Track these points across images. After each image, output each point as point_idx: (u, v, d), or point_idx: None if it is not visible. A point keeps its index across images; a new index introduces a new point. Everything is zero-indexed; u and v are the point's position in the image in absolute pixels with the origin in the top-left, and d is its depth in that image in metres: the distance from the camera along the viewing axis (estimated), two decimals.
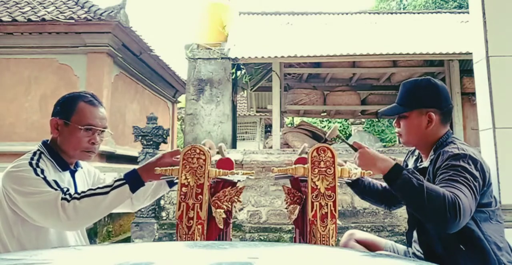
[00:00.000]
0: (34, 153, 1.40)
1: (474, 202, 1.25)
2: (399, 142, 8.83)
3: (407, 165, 1.66)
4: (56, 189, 1.27)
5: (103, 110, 1.50)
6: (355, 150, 1.42)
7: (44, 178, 1.29)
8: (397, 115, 1.53)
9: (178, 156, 1.25)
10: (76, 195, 1.26)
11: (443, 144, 1.45)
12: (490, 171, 1.39)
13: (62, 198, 1.24)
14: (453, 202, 1.18)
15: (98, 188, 1.30)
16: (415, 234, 1.54)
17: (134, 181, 1.32)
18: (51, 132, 1.46)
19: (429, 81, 1.52)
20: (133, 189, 1.32)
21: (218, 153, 1.58)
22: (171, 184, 1.53)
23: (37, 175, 1.30)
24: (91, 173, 1.63)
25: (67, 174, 1.47)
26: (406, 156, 1.71)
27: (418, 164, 1.56)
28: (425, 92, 1.49)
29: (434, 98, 1.48)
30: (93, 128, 1.43)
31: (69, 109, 1.43)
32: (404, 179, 1.25)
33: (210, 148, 1.42)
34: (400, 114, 1.51)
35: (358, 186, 1.68)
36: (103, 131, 1.48)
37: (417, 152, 1.62)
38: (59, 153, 1.44)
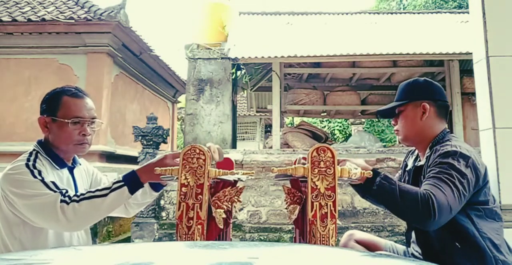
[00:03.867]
0: (30, 154, 1.39)
1: (457, 200, 1.26)
2: (399, 142, 8.83)
3: (406, 165, 1.66)
4: (55, 191, 1.26)
5: (89, 101, 1.49)
6: None
7: (42, 180, 1.29)
8: (394, 112, 1.56)
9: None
10: (75, 198, 1.26)
11: (439, 142, 1.46)
12: (486, 169, 1.40)
13: (61, 201, 1.24)
14: (426, 200, 1.21)
15: (97, 190, 1.30)
16: (413, 234, 1.54)
17: (132, 182, 1.31)
18: (42, 131, 1.46)
19: (425, 79, 1.59)
20: (132, 191, 1.31)
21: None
22: (158, 188, 1.51)
23: (35, 177, 1.29)
24: (89, 171, 1.62)
25: (65, 171, 1.46)
26: (406, 157, 1.71)
27: (416, 163, 1.57)
28: (419, 86, 1.55)
29: (428, 91, 1.54)
30: (81, 120, 1.43)
31: (54, 105, 1.43)
32: (378, 186, 1.28)
33: (214, 152, 1.41)
34: (396, 108, 1.55)
35: (360, 185, 1.67)
36: (92, 122, 1.47)
37: (416, 152, 1.63)
38: (54, 150, 1.44)
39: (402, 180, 1.64)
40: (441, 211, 1.21)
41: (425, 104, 1.49)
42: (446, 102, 1.54)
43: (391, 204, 1.31)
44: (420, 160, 1.56)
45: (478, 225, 1.34)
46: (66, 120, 1.40)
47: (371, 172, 1.28)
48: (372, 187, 1.30)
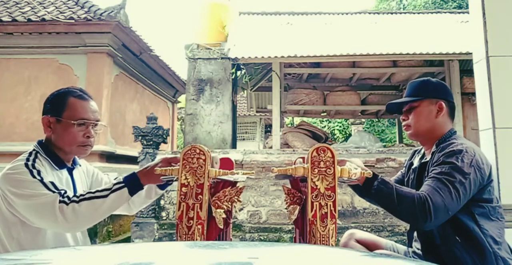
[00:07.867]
0: (30, 154, 1.39)
1: (455, 200, 1.29)
2: (399, 142, 8.73)
3: (411, 164, 1.67)
4: (53, 192, 1.26)
5: (94, 104, 1.50)
6: None
7: (41, 180, 1.28)
8: (406, 106, 1.58)
9: (177, 164, 1.24)
10: (75, 198, 1.26)
11: (446, 140, 1.49)
12: (491, 168, 1.42)
13: (60, 201, 1.24)
14: (422, 203, 1.26)
15: (97, 191, 1.30)
16: (415, 232, 1.54)
17: (133, 184, 1.32)
18: (44, 131, 1.45)
19: (437, 80, 1.63)
20: (132, 193, 1.32)
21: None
22: (163, 186, 1.50)
23: (34, 177, 1.29)
24: (89, 172, 1.62)
25: (64, 172, 1.46)
26: (412, 156, 1.72)
27: (421, 161, 1.59)
28: (435, 85, 1.58)
29: (444, 90, 1.58)
30: (86, 122, 1.43)
31: (60, 106, 1.42)
32: (375, 189, 1.32)
33: (216, 162, 1.39)
34: (410, 103, 1.56)
35: (358, 185, 1.68)
36: (96, 124, 1.48)
37: (422, 150, 1.64)
38: (55, 151, 1.44)
39: (406, 179, 1.66)
40: (437, 213, 1.25)
41: (442, 103, 1.52)
42: (454, 104, 1.59)
43: (389, 206, 1.35)
44: (426, 158, 1.58)
45: (480, 222, 1.35)
46: (72, 121, 1.41)
47: (371, 172, 1.28)
48: (371, 190, 1.33)
